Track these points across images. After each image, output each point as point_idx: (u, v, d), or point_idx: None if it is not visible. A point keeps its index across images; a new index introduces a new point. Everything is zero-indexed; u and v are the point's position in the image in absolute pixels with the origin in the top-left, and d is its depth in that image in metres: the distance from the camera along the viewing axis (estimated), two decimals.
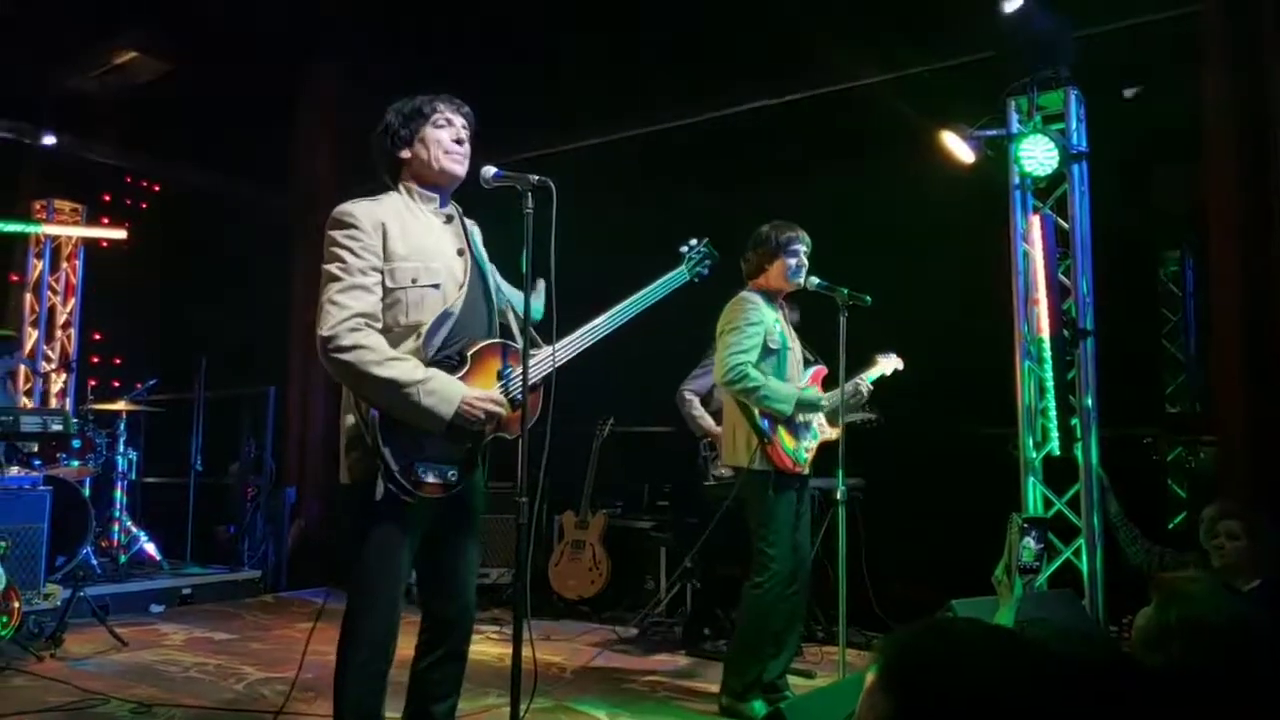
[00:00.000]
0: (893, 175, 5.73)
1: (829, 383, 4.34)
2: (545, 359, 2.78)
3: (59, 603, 5.30)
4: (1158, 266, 6.09)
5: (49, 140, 7.87)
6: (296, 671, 3.49)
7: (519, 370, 2.73)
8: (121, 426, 7.21)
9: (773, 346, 4.11)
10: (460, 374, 2.69)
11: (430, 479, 2.61)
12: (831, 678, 4.74)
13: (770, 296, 4.22)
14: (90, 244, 8.45)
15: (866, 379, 4.36)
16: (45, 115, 7.82)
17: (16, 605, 4.70)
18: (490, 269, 2.98)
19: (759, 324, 4.09)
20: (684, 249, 3.09)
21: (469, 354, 2.73)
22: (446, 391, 2.60)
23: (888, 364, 4.47)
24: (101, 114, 7.99)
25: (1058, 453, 4.82)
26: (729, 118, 6.63)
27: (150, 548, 7.17)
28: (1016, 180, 4.99)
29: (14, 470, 4.96)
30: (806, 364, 4.35)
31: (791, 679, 4.72)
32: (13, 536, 5.15)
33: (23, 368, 7.94)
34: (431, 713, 2.86)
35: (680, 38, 6.58)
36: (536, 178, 2.72)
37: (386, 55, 7.39)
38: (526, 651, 2.60)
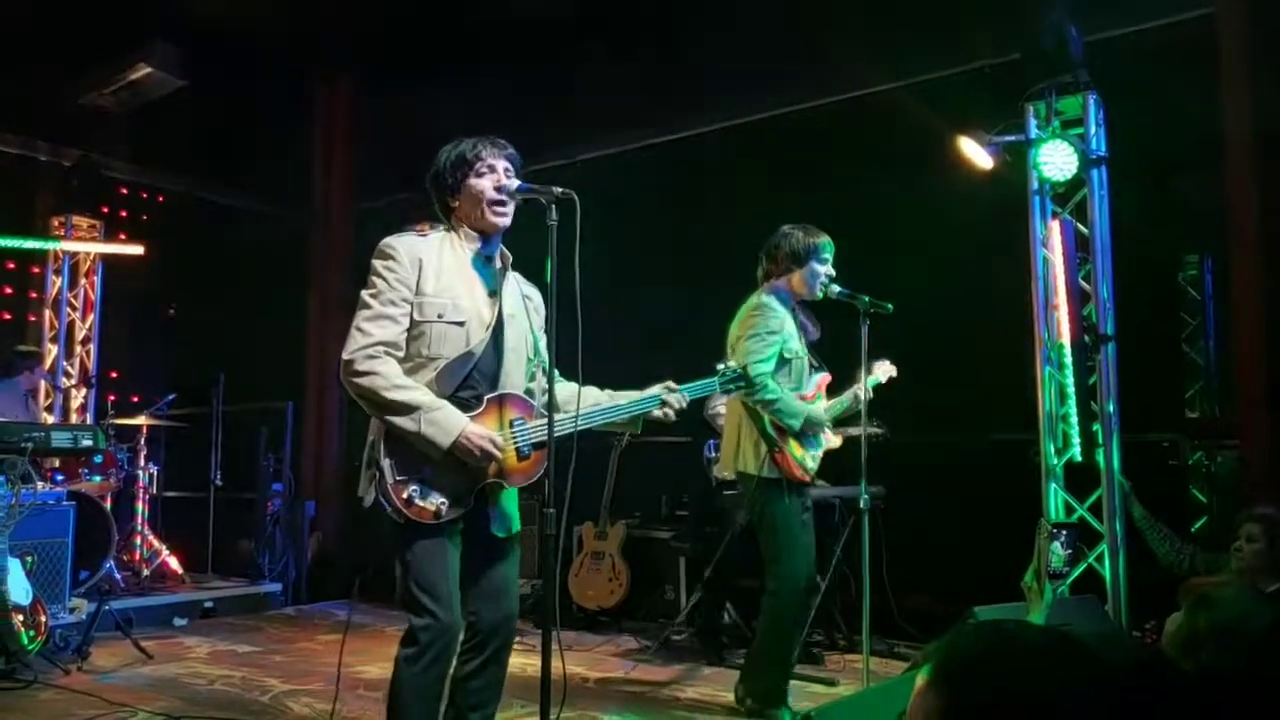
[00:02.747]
0: (911, 181, 5.73)
1: (833, 389, 4.34)
2: (561, 422, 2.80)
3: (84, 616, 5.33)
4: (1177, 270, 6.06)
5: (66, 157, 7.95)
6: (335, 697, 3.50)
7: (531, 424, 2.82)
8: (142, 441, 7.26)
9: (788, 356, 4.11)
10: (472, 414, 2.76)
11: (418, 501, 2.70)
12: (854, 686, 4.73)
13: (786, 302, 4.19)
14: (108, 260, 8.49)
15: (867, 386, 4.33)
16: (62, 132, 7.90)
17: (43, 619, 4.73)
18: (530, 325, 3.01)
19: (778, 333, 4.06)
20: (720, 367, 3.11)
21: (486, 397, 2.81)
22: (448, 423, 2.68)
23: (882, 370, 4.43)
24: (118, 130, 8.04)
25: (1079, 458, 4.81)
26: (747, 125, 6.65)
27: (171, 561, 7.21)
28: (1035, 185, 4.99)
29: (39, 485, 4.99)
30: (812, 370, 4.32)
31: (814, 687, 4.73)
32: (38, 551, 5.20)
33: (43, 383, 7.99)
34: None
35: (698, 46, 6.61)
36: (560, 190, 2.74)
37: (399, 70, 7.43)
38: (554, 662, 2.61)
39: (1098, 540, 4.77)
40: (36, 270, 8.41)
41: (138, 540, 7.14)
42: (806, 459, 4.11)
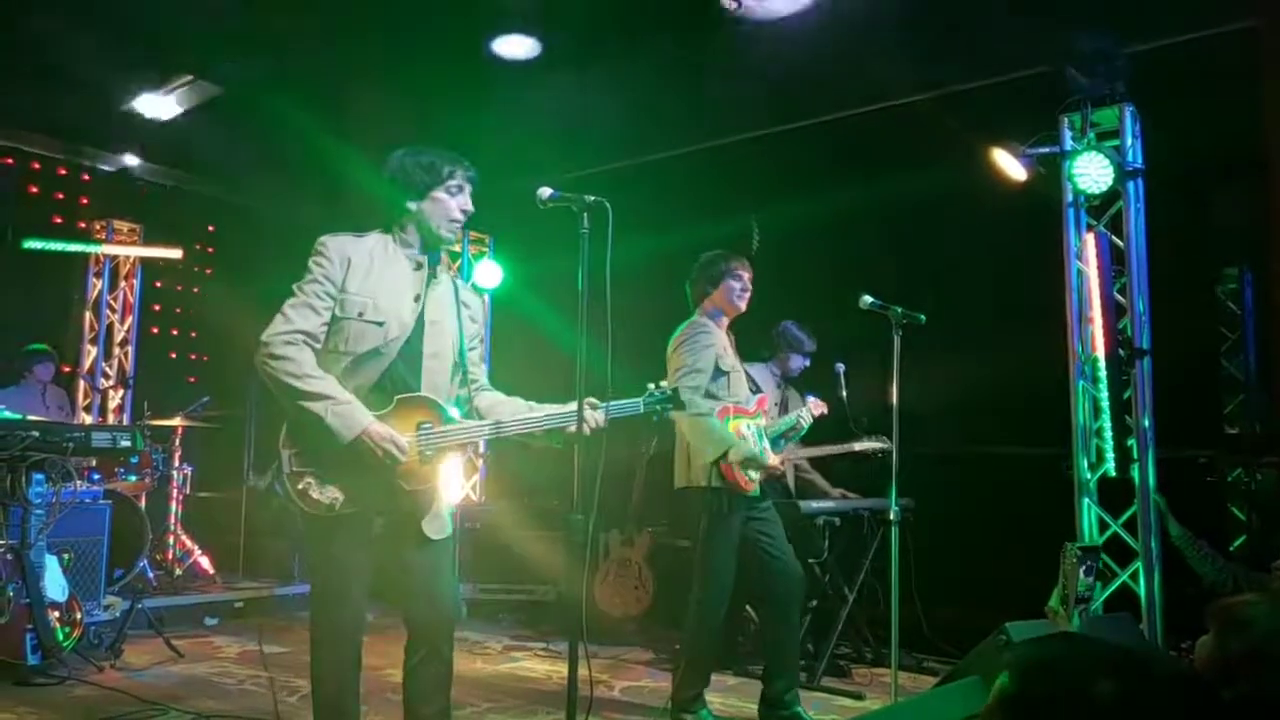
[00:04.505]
0: (944, 193, 5.69)
1: (873, 410, 4.37)
2: (470, 430, 2.90)
3: (118, 614, 5.41)
4: (1215, 284, 5.97)
5: (108, 162, 8.09)
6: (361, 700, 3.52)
7: (438, 430, 2.84)
8: (177, 441, 7.36)
9: (724, 368, 4.18)
10: (379, 414, 2.79)
11: (313, 493, 2.75)
12: (881, 700, 4.70)
13: (716, 318, 4.31)
14: (147, 263, 8.63)
15: (807, 414, 4.67)
16: (105, 138, 8.03)
17: (78, 616, 4.81)
18: (455, 333, 3.02)
19: (712, 347, 4.17)
20: (650, 386, 3.09)
21: (396, 398, 2.84)
22: (351, 418, 2.72)
23: (816, 406, 4.80)
24: (158, 137, 8.16)
25: (1114, 474, 4.75)
26: (779, 135, 6.64)
27: (204, 561, 7.29)
28: (1070, 198, 4.95)
29: (76, 484, 5.07)
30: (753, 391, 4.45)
31: (841, 701, 4.70)
32: (74, 549, 5.27)
33: (82, 383, 8.12)
34: (421, 715, 2.95)
35: (724, 55, 6.60)
36: (592, 197, 2.76)
37: (432, 78, 7.48)
38: (579, 670, 2.61)
39: (1132, 557, 4.71)
40: (78, 273, 8.56)
41: (171, 540, 7.24)
42: (748, 469, 4.12)
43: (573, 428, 2.87)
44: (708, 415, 4.05)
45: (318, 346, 2.84)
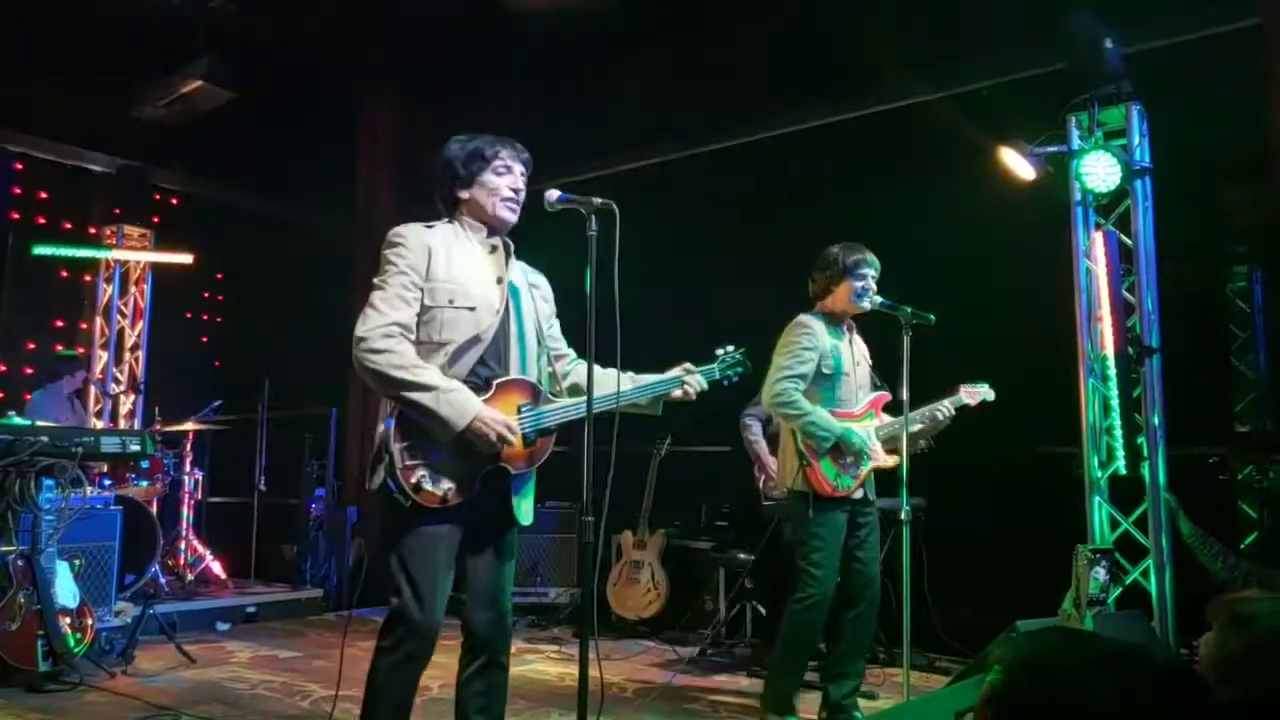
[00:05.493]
0: (952, 193, 5.69)
1: (893, 409, 4.28)
2: (569, 408, 2.87)
3: (129, 620, 5.42)
4: (1225, 282, 5.96)
5: (119, 168, 8.12)
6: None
7: (539, 409, 2.84)
8: (188, 447, 7.39)
9: (826, 371, 4.11)
10: (483, 398, 2.77)
11: (427, 486, 2.69)
12: (893, 700, 4.70)
13: (833, 319, 4.21)
14: (158, 268, 8.67)
15: (950, 406, 4.29)
16: (115, 144, 8.08)
17: (89, 622, 4.82)
18: (538, 312, 3.03)
19: (813, 349, 4.09)
20: (719, 351, 3.10)
21: (495, 382, 2.82)
22: (464, 405, 2.69)
23: (972, 395, 4.33)
24: (169, 142, 8.20)
25: (1124, 472, 4.74)
26: (789, 136, 6.65)
27: (215, 566, 7.32)
28: (1078, 197, 4.94)
29: (87, 490, 5.09)
30: (875, 388, 4.31)
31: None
32: (85, 554, 5.28)
33: (93, 389, 8.16)
34: None
35: (738, 57, 6.62)
36: (600, 200, 2.76)
37: (444, 81, 7.51)
38: (591, 671, 2.61)
39: (1143, 555, 4.70)
40: (89, 278, 8.61)
41: (182, 545, 7.27)
42: (844, 477, 4.07)
43: (676, 393, 2.96)
44: (806, 411, 4.01)
45: (412, 338, 2.79)
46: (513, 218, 2.98)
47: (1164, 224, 4.86)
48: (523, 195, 3.00)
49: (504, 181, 2.94)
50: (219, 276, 9.54)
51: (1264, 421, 5.84)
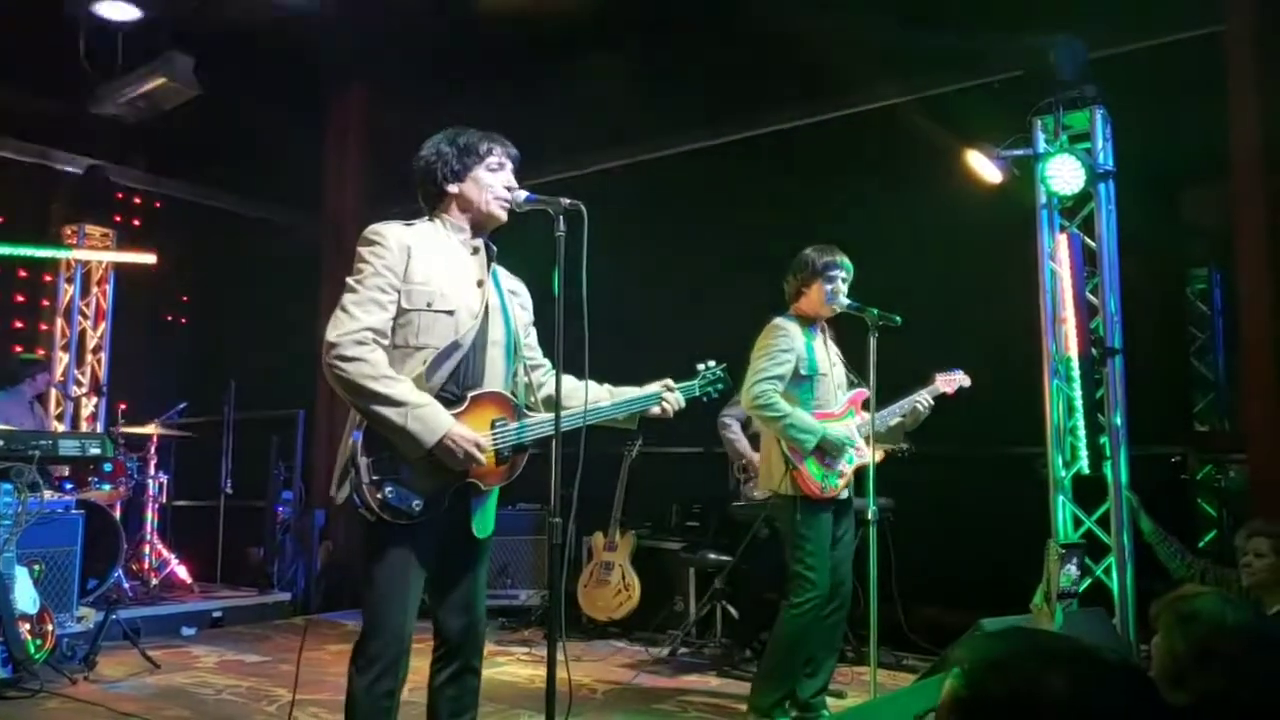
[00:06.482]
0: (919, 195, 5.74)
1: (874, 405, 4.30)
2: (544, 424, 2.78)
3: (91, 625, 5.34)
4: (1185, 284, 6.06)
5: (80, 166, 8.01)
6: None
7: (513, 425, 2.77)
8: (152, 450, 7.30)
9: (803, 373, 4.12)
10: (455, 411, 2.69)
11: (393, 503, 2.60)
12: (861, 698, 4.73)
13: (808, 321, 4.22)
14: (120, 269, 8.55)
15: (928, 396, 4.30)
16: (77, 142, 7.96)
17: (50, 628, 4.75)
18: (514, 320, 2.95)
19: (789, 351, 4.11)
20: (700, 366, 3.09)
21: (469, 395, 2.74)
22: (434, 421, 2.60)
23: (949, 383, 4.36)
24: (132, 140, 8.10)
25: (1087, 471, 4.80)
26: (756, 138, 6.68)
27: (180, 570, 7.23)
28: (1043, 199, 5.00)
29: (47, 494, 5.01)
30: (851, 386, 4.33)
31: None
32: (46, 560, 5.20)
33: (54, 391, 8.03)
34: None
35: (708, 59, 6.63)
36: (568, 201, 2.74)
37: (415, 82, 7.47)
38: (560, 673, 2.61)
39: (1106, 553, 4.77)
40: (49, 279, 8.48)
41: (147, 549, 7.17)
42: (830, 476, 4.08)
43: (655, 410, 2.92)
44: (786, 413, 4.01)
45: (386, 344, 2.69)
46: (504, 215, 2.90)
47: (1126, 227, 4.93)
48: (519, 202, 2.90)
49: (498, 178, 2.87)
50: (184, 276, 9.41)
51: (1222, 421, 5.94)
